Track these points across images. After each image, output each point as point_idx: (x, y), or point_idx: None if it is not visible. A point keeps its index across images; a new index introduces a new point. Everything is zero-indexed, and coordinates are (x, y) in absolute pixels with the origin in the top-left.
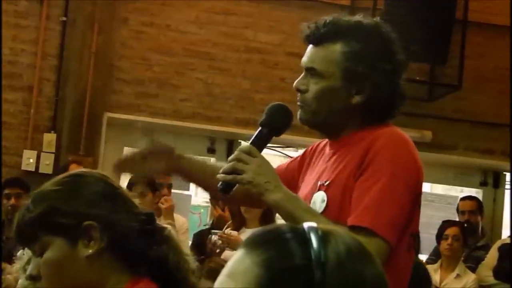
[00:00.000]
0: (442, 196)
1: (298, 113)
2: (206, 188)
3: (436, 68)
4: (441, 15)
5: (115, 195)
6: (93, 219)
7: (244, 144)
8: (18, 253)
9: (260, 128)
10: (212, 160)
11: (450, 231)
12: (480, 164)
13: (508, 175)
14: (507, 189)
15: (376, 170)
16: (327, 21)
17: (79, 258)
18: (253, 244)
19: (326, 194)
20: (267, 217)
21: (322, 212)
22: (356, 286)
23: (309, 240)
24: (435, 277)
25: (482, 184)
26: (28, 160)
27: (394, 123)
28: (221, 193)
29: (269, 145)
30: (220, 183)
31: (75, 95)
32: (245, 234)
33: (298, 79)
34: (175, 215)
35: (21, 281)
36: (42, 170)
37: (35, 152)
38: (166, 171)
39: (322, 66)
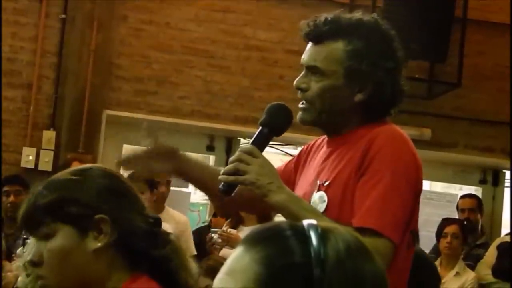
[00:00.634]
0: (441, 194)
1: (299, 114)
2: (205, 190)
3: (436, 66)
4: (441, 13)
5: (127, 194)
6: (105, 213)
7: (245, 144)
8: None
9: (260, 128)
10: (211, 157)
11: (450, 229)
12: (480, 162)
13: (507, 173)
14: (506, 187)
15: (377, 170)
16: (328, 18)
17: (86, 250)
18: (252, 241)
19: (326, 194)
20: (264, 215)
21: (323, 212)
22: (355, 284)
23: (309, 237)
24: None
25: (482, 182)
26: (28, 157)
27: (393, 121)
28: (222, 195)
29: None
30: (222, 184)
31: (74, 92)
32: (243, 232)
33: (299, 77)
34: (177, 213)
35: (21, 278)
36: (41, 167)
37: (34, 150)
38: (171, 171)
39: (324, 65)
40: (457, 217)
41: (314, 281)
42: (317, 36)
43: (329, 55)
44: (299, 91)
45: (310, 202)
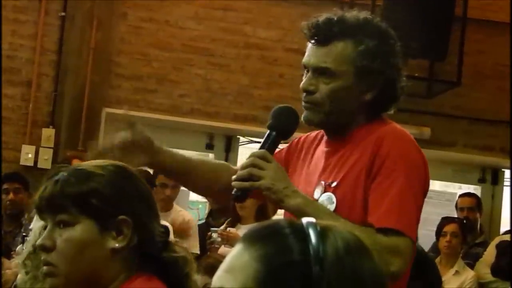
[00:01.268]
0: (441, 193)
1: (305, 114)
2: (193, 189)
3: (435, 65)
4: (440, 11)
5: (150, 199)
6: (129, 216)
7: (258, 150)
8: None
9: (268, 132)
10: (211, 156)
11: (449, 228)
12: (479, 161)
13: (507, 172)
14: (505, 186)
15: (391, 170)
16: (334, 19)
17: (104, 247)
18: (251, 239)
19: (335, 195)
20: (262, 214)
21: None
22: (354, 281)
23: (308, 235)
24: None
25: (481, 181)
26: (27, 155)
27: (393, 119)
28: (235, 201)
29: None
30: (235, 190)
31: (73, 90)
32: (241, 230)
33: (305, 79)
34: (183, 211)
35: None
36: (40, 165)
37: (33, 147)
38: (146, 164)
39: (335, 65)
40: (456, 216)
41: (313, 279)
42: (325, 37)
43: (339, 56)
44: (305, 93)
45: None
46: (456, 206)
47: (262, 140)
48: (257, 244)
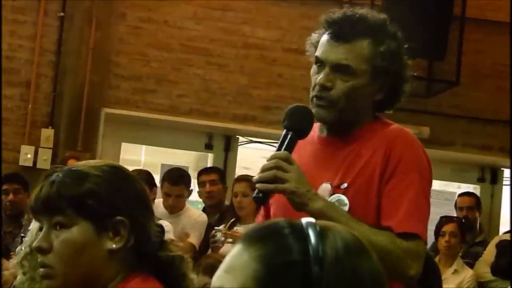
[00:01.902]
0: (440, 192)
1: (317, 110)
2: None
3: (434, 64)
4: (439, 11)
5: (146, 200)
6: (126, 217)
7: (280, 151)
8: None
9: (285, 132)
10: (210, 155)
11: (448, 228)
12: (478, 160)
13: (506, 171)
14: (504, 185)
15: (405, 173)
16: (356, 16)
17: (101, 248)
18: (251, 239)
19: (347, 197)
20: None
21: None
22: (353, 281)
23: (307, 235)
24: None
25: (480, 180)
26: (26, 155)
27: (392, 119)
28: (257, 203)
29: (267, 140)
30: (257, 192)
31: (72, 90)
32: (239, 230)
33: (323, 75)
34: (194, 210)
35: (20, 277)
36: (40, 165)
37: (33, 148)
38: None
39: (356, 64)
40: (455, 215)
41: (312, 279)
42: (347, 34)
43: (360, 54)
44: (320, 89)
45: None
46: (455, 206)
47: (279, 141)
48: (257, 244)
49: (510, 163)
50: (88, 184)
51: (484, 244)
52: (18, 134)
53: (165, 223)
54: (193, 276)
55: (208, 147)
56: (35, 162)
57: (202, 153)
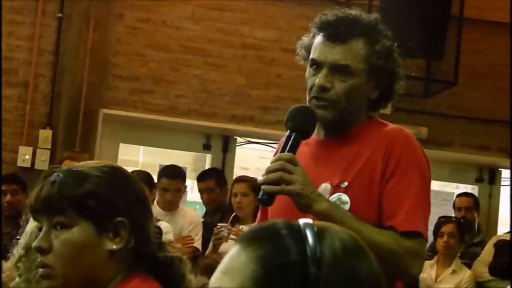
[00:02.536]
0: (438, 193)
1: (319, 111)
2: None
3: (432, 65)
4: (437, 11)
5: (146, 201)
6: (126, 217)
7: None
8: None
9: (288, 133)
10: (208, 156)
11: (446, 228)
12: (476, 160)
13: (504, 171)
14: (502, 185)
15: (405, 172)
16: (349, 17)
17: (101, 249)
18: (249, 240)
19: (348, 195)
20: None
21: None
22: (351, 282)
23: (305, 236)
24: (431, 272)
25: (478, 181)
26: (24, 156)
27: (390, 119)
28: (263, 204)
29: (265, 141)
30: (262, 193)
31: (70, 91)
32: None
33: (321, 76)
34: (188, 209)
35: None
36: (38, 166)
37: (31, 148)
38: None
39: (354, 63)
40: (453, 216)
41: (310, 280)
42: (343, 35)
43: (357, 54)
44: (319, 90)
45: None
46: (453, 206)
47: (281, 142)
48: (255, 245)
49: (510, 163)
50: (89, 184)
51: (482, 244)
52: (16, 135)
53: (164, 224)
54: (191, 277)
55: (206, 147)
56: (33, 163)
57: (200, 153)
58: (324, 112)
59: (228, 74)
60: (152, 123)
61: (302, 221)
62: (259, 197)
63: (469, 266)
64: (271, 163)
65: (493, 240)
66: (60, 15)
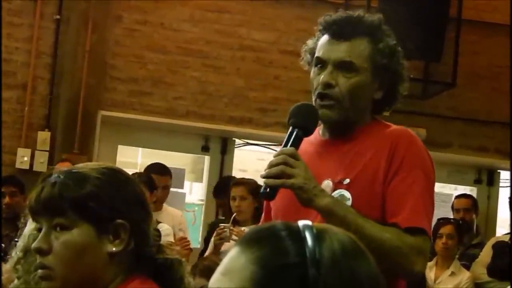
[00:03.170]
0: (436, 194)
1: (323, 111)
2: None
3: (430, 66)
4: (435, 12)
5: (145, 202)
6: (126, 219)
7: (288, 147)
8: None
9: (291, 129)
10: (206, 158)
11: (445, 230)
12: (474, 161)
13: (502, 172)
14: (501, 187)
15: (410, 169)
16: (353, 16)
17: (101, 251)
18: (248, 241)
19: (350, 192)
20: (259, 216)
21: None
22: (351, 284)
23: (304, 237)
24: (430, 274)
25: (476, 182)
26: (22, 158)
27: (388, 121)
28: (265, 198)
29: (263, 143)
30: (264, 187)
31: (69, 93)
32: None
33: (325, 73)
34: (172, 209)
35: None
36: (36, 168)
37: (29, 150)
38: None
39: (359, 61)
40: (452, 217)
41: (309, 281)
42: (347, 33)
43: (362, 52)
44: (324, 87)
45: None
46: (452, 207)
47: (285, 138)
48: (254, 247)
49: (510, 164)
50: (89, 186)
51: (481, 246)
52: (15, 137)
53: (165, 226)
54: (190, 279)
55: (205, 149)
56: (31, 165)
57: (199, 155)
58: (328, 112)
59: (226, 76)
60: (151, 125)
61: (301, 222)
62: (261, 191)
63: (467, 267)
64: (274, 157)
65: (491, 242)
66: (58, 17)
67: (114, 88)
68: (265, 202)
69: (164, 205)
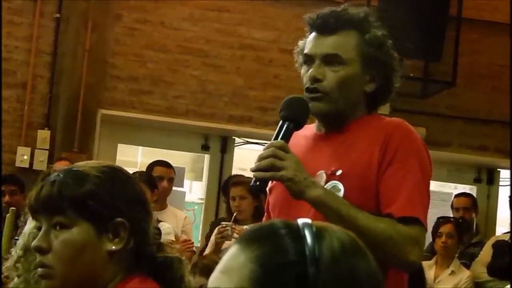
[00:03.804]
0: (436, 193)
1: (313, 104)
2: None
3: (430, 65)
4: (435, 12)
5: (146, 202)
6: (126, 218)
7: (278, 140)
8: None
9: (281, 122)
10: (206, 157)
11: (445, 229)
12: (474, 160)
13: (502, 171)
14: (501, 185)
15: (404, 160)
16: (338, 10)
17: (101, 249)
18: (247, 240)
19: (342, 183)
20: (259, 215)
21: None
22: (350, 282)
23: (303, 236)
24: (430, 273)
25: (476, 181)
26: (22, 157)
27: None
28: (255, 191)
29: (263, 141)
30: (254, 180)
31: (69, 92)
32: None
33: (313, 68)
34: (177, 210)
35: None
36: (36, 167)
37: (29, 149)
38: None
39: (344, 53)
40: (452, 216)
41: (308, 280)
42: (332, 26)
43: (348, 44)
44: (313, 81)
45: None
46: (451, 206)
47: (276, 131)
48: (253, 245)
49: (510, 163)
50: (89, 185)
51: (480, 245)
52: (15, 136)
53: (166, 225)
54: (190, 278)
55: (205, 148)
56: (31, 164)
57: (199, 154)
58: (318, 104)
59: (226, 75)
60: (151, 124)
61: (301, 221)
62: (251, 184)
63: (467, 266)
64: (263, 150)
65: (491, 241)
66: (58, 16)
67: (114, 87)
68: (266, 200)
69: (168, 205)
